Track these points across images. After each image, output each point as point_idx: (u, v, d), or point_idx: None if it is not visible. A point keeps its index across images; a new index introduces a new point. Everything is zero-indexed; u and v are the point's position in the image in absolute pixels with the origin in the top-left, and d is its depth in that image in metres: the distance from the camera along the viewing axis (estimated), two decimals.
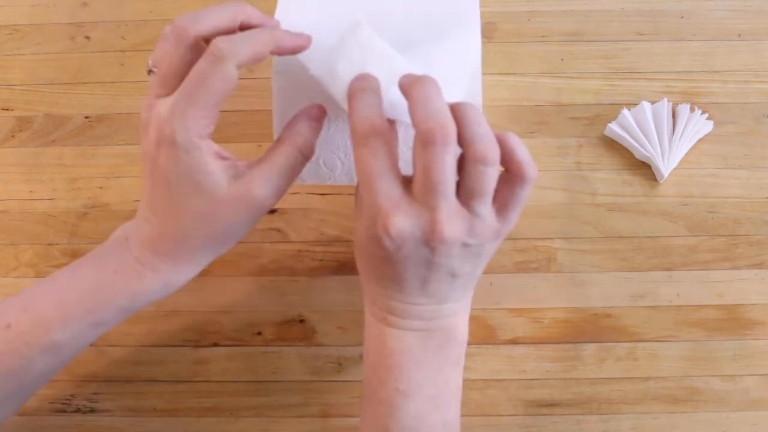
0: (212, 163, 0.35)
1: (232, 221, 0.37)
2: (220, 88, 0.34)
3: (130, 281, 0.38)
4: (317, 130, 0.38)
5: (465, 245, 0.35)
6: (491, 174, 0.33)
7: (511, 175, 0.35)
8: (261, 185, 0.36)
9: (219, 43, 0.33)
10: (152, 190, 0.37)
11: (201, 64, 0.34)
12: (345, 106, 0.36)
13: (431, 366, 0.38)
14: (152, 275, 0.38)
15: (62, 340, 0.38)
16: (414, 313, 0.37)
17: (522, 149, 0.34)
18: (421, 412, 0.37)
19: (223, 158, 0.36)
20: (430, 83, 0.34)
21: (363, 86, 0.35)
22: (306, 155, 0.38)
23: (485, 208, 0.34)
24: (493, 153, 0.33)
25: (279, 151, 0.37)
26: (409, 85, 0.34)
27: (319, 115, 0.38)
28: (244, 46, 0.34)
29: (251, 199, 0.36)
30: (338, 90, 0.37)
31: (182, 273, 0.38)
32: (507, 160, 0.34)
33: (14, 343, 0.37)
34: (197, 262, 0.39)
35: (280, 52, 0.36)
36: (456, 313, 0.38)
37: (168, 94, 0.35)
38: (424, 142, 0.32)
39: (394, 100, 0.36)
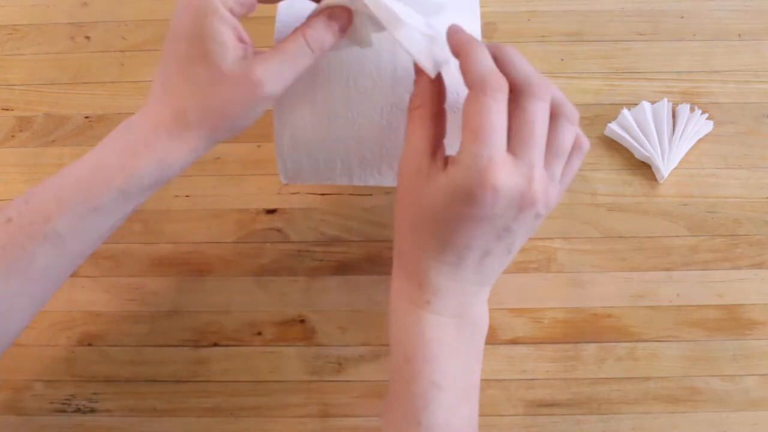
0: (227, 34, 0.35)
1: (228, 99, 0.36)
2: None
3: (124, 160, 0.37)
4: (333, 31, 0.37)
5: (537, 215, 0.35)
6: (573, 134, 0.35)
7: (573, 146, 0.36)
8: (263, 69, 0.36)
9: None
10: (164, 61, 0.37)
11: None
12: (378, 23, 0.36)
13: (464, 358, 0.38)
14: (147, 152, 0.37)
15: (62, 229, 0.37)
16: (458, 294, 0.37)
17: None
18: (452, 405, 0.37)
19: (241, 39, 0.36)
20: (515, 50, 0.36)
21: (471, 38, 0.35)
22: (314, 50, 0.37)
23: (560, 170, 0.36)
24: (577, 113, 0.35)
25: (288, 39, 0.37)
26: (495, 48, 0.35)
27: (341, 17, 0.37)
28: None
29: (250, 81, 0.36)
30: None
31: (176, 151, 0.37)
32: None
33: (15, 236, 0.36)
34: (191, 140, 0.37)
35: None
36: (485, 302, 0.39)
37: None
38: (528, 95, 0.33)
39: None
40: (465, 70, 0.35)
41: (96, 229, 0.38)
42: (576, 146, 0.37)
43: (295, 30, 0.37)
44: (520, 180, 0.34)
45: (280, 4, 0.41)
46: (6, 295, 0.37)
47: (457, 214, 0.34)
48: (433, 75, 0.36)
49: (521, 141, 0.34)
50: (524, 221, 0.35)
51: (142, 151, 0.37)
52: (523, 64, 0.35)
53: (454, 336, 0.37)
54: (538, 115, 0.34)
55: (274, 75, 0.36)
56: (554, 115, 0.35)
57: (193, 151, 0.38)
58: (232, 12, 0.35)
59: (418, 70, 0.37)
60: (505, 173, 0.33)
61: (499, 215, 0.34)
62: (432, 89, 0.37)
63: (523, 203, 0.34)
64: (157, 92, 0.37)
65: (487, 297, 0.39)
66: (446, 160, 0.35)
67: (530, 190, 0.34)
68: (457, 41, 0.36)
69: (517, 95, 0.34)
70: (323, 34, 0.37)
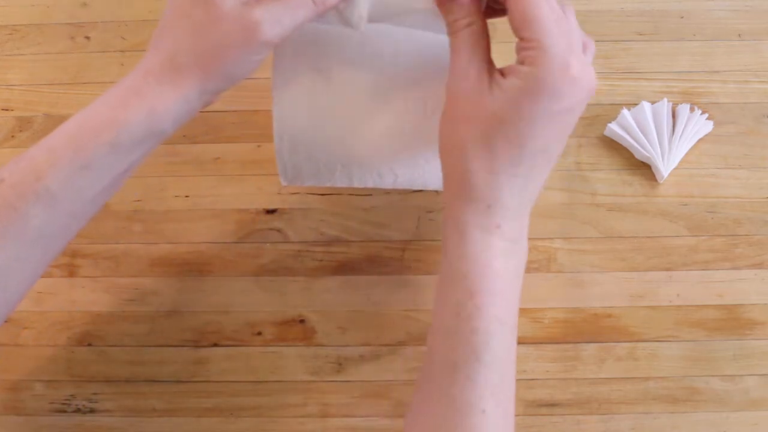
0: None
1: (225, 40, 0.35)
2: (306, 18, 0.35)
3: (114, 111, 0.36)
4: None
5: (587, 99, 0.36)
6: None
7: None
8: (262, 11, 0.35)
9: None
10: (164, 11, 0.36)
11: None
12: None
13: (518, 291, 0.38)
14: (136, 101, 0.36)
15: (54, 187, 0.35)
16: (522, 213, 0.37)
17: None
18: (508, 340, 0.37)
19: None
20: None
21: None
22: (316, 3, 0.36)
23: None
24: None
25: None
26: None
27: None
28: None
29: (249, 21, 0.35)
30: None
31: (166, 98, 0.36)
32: None
33: (7, 196, 0.35)
34: (182, 86, 0.36)
35: None
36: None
37: None
38: None
39: None
40: None
41: (89, 186, 0.37)
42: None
43: None
44: (585, 67, 0.34)
45: None
46: (1, 258, 0.36)
47: (536, 112, 0.34)
48: None
49: (569, 32, 0.34)
50: (582, 108, 0.36)
51: (131, 100, 0.36)
52: None
53: (515, 264, 0.37)
54: (566, 6, 0.35)
55: (274, 19, 0.35)
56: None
57: (185, 99, 0.36)
58: None
59: None
60: (578, 61, 0.34)
61: (575, 104, 0.35)
62: (477, 6, 0.36)
63: (592, 89, 0.35)
64: (153, 42, 0.37)
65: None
66: (502, 71, 0.35)
67: (590, 74, 0.34)
68: None
69: None
70: None
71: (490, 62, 0.36)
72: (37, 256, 0.37)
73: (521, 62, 0.34)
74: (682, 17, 0.53)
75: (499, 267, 0.36)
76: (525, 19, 0.34)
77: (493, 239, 0.36)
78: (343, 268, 0.51)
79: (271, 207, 0.51)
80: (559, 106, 0.34)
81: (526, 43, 0.34)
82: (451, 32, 0.37)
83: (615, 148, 0.52)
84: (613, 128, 0.51)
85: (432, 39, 0.40)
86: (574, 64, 0.33)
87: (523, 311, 0.50)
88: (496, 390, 0.36)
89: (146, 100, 0.36)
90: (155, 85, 0.36)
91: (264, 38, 0.35)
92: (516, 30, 0.34)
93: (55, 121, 0.53)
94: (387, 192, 0.51)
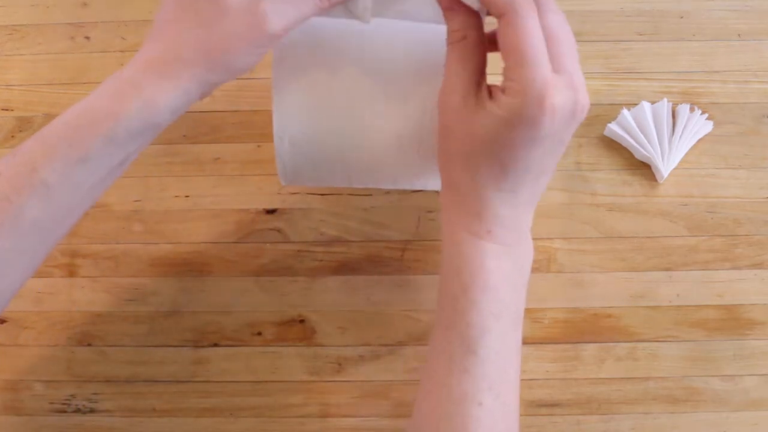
0: None
1: (231, 33, 0.35)
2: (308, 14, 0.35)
3: (111, 103, 0.35)
4: None
5: (580, 122, 0.36)
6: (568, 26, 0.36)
7: None
8: (269, 4, 0.35)
9: None
10: (163, 1, 0.36)
11: None
12: None
13: (516, 286, 0.38)
14: (133, 92, 0.35)
15: (50, 179, 0.35)
16: (516, 221, 0.37)
17: None
18: (506, 333, 0.37)
19: None
20: None
21: None
22: (322, 0, 0.36)
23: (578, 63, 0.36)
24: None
25: None
26: None
27: None
28: None
29: (256, 13, 0.35)
30: None
31: (165, 91, 0.35)
32: None
33: (2, 188, 0.35)
34: (183, 79, 0.36)
35: None
36: (530, 228, 0.39)
37: None
38: (545, 11, 0.34)
39: None
40: (489, 2, 0.35)
41: (84, 179, 0.36)
42: None
43: None
44: (570, 92, 0.34)
45: None
46: None
47: (516, 140, 0.34)
48: (476, 6, 0.36)
49: (558, 54, 0.34)
50: (572, 130, 0.36)
51: (128, 92, 0.35)
52: None
53: (510, 264, 0.38)
54: (561, 26, 0.35)
55: (280, 12, 0.35)
56: (555, 22, 0.36)
57: (185, 92, 0.36)
58: None
59: (453, 5, 0.37)
60: (558, 91, 0.33)
61: (557, 130, 0.34)
62: (474, 20, 0.36)
63: (576, 112, 0.34)
64: (152, 34, 0.36)
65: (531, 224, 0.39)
66: (490, 89, 0.35)
67: (580, 97, 0.34)
68: None
69: (545, 12, 0.35)
70: None
71: (480, 78, 0.36)
72: (33, 247, 0.37)
73: (503, 90, 0.34)
74: (682, 17, 0.53)
75: (491, 265, 0.37)
76: (509, 47, 0.34)
77: (483, 243, 0.37)
78: (343, 268, 0.51)
79: (271, 207, 0.51)
80: (538, 134, 0.34)
81: (509, 71, 0.34)
82: (448, 42, 0.37)
83: (615, 148, 0.52)
84: (613, 128, 0.51)
85: (432, 38, 0.40)
86: (552, 95, 0.33)
87: None
88: (494, 384, 0.36)
89: (144, 92, 0.35)
90: (155, 78, 0.35)
91: (270, 31, 0.35)
92: (502, 55, 0.35)
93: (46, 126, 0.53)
94: (387, 192, 0.51)
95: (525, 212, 0.38)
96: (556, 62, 0.34)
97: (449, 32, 0.37)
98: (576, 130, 0.36)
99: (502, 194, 0.36)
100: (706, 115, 0.51)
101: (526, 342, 0.49)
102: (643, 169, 0.51)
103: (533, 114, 0.33)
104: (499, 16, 0.34)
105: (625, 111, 0.51)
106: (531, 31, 0.33)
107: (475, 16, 0.36)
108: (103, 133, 0.35)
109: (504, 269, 0.37)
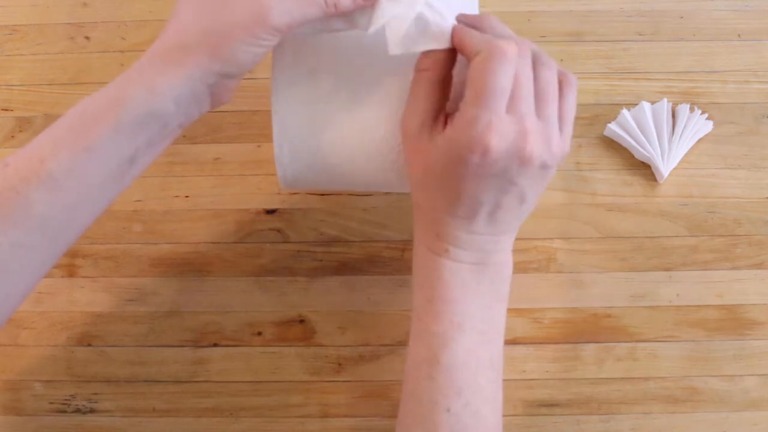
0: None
1: (234, 21, 0.35)
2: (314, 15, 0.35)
3: (117, 90, 0.36)
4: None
5: (542, 166, 0.36)
6: (555, 74, 0.36)
7: (559, 85, 0.37)
8: (279, 8, 0.35)
9: None
10: None
11: None
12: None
13: (483, 301, 0.39)
14: (137, 77, 0.36)
15: (56, 171, 0.35)
16: (476, 244, 0.38)
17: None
18: (472, 345, 0.38)
19: None
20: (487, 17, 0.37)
21: (459, 25, 0.37)
22: (327, 4, 0.36)
23: (555, 113, 0.36)
24: (553, 60, 0.37)
25: None
26: (472, 19, 0.37)
27: None
28: None
29: (261, 6, 0.35)
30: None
31: (168, 76, 0.35)
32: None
33: (11, 180, 0.35)
34: (186, 65, 0.35)
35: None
36: (507, 249, 0.40)
37: None
38: (509, 57, 0.34)
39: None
40: (469, 40, 0.36)
41: (92, 171, 0.36)
42: (564, 83, 0.37)
43: None
44: (514, 137, 0.34)
45: None
46: (4, 245, 0.35)
47: (459, 173, 0.35)
48: (444, 46, 0.37)
49: (511, 99, 0.35)
50: (529, 174, 0.36)
51: (133, 78, 0.36)
52: (502, 27, 0.36)
53: (475, 280, 0.38)
54: (523, 72, 0.35)
55: (285, 8, 0.35)
56: (535, 65, 0.36)
57: (188, 78, 0.36)
58: None
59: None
60: (499, 134, 0.34)
61: (499, 172, 0.35)
62: (442, 55, 0.37)
63: (522, 158, 0.35)
64: (166, 24, 0.37)
65: (511, 245, 0.40)
66: (446, 121, 0.36)
67: (527, 144, 0.35)
68: (455, 35, 0.37)
69: (502, 59, 0.35)
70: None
71: (437, 111, 0.37)
72: (42, 245, 0.37)
73: (452, 122, 0.35)
74: (682, 17, 0.53)
75: (451, 280, 0.38)
76: (471, 82, 0.35)
77: (442, 259, 0.38)
78: (343, 268, 0.51)
79: (271, 207, 0.51)
80: (475, 171, 0.35)
81: (463, 104, 0.35)
82: (414, 69, 0.38)
83: (615, 148, 0.52)
84: (613, 128, 0.51)
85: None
86: (489, 138, 0.34)
87: (523, 311, 0.50)
88: (462, 391, 0.37)
89: (147, 78, 0.35)
90: (159, 65, 0.36)
91: (273, 23, 0.35)
92: (465, 86, 0.35)
93: (54, 121, 0.53)
94: (387, 192, 0.51)
95: (490, 238, 0.38)
96: (510, 107, 0.35)
97: (418, 60, 0.38)
98: (544, 173, 0.36)
99: (457, 220, 0.37)
100: (706, 115, 0.51)
101: (526, 342, 0.50)
102: (643, 169, 0.51)
103: (469, 152, 0.34)
104: (475, 55, 0.35)
105: (625, 111, 0.51)
106: (497, 75, 0.34)
107: (447, 53, 0.37)
108: (108, 122, 0.35)
109: (466, 283, 0.38)
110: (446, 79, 0.37)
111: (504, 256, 0.40)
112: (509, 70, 0.34)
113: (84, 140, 0.35)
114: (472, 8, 0.41)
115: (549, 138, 0.36)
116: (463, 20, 0.37)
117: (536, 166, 0.35)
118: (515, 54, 0.35)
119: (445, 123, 0.36)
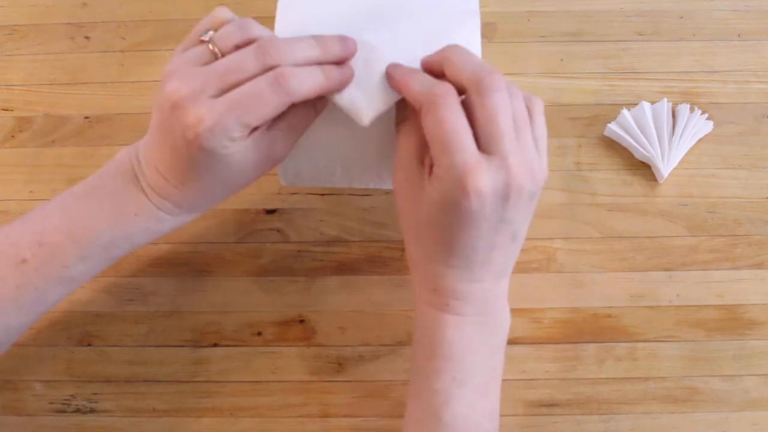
0: (236, 148, 0.36)
1: (249, 177, 0.39)
2: (270, 114, 0.35)
3: (150, 224, 0.39)
4: (343, 77, 0.37)
5: (531, 196, 0.35)
6: (522, 101, 0.36)
7: (528, 111, 0.37)
8: (279, 146, 0.38)
9: (288, 76, 0.34)
10: (170, 154, 0.37)
11: (262, 85, 0.34)
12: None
13: (484, 354, 0.39)
14: (171, 219, 0.40)
15: (78, 274, 0.40)
16: (477, 293, 0.38)
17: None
18: (473, 400, 0.38)
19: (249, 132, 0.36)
20: (460, 48, 0.37)
21: (405, 70, 0.37)
22: (319, 110, 0.39)
23: (530, 139, 0.36)
24: (517, 88, 0.37)
25: (294, 111, 0.37)
26: (440, 53, 0.37)
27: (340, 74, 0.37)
28: (305, 85, 0.35)
29: (269, 159, 0.38)
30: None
31: (195, 214, 0.41)
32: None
33: (31, 277, 0.38)
34: (210, 206, 0.41)
35: (330, 90, 0.37)
36: (504, 295, 0.40)
37: (215, 96, 0.35)
38: (482, 90, 0.34)
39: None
40: (409, 96, 0.36)
41: (105, 267, 0.41)
42: (531, 107, 0.37)
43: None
44: (499, 173, 0.34)
45: (280, 2, 0.41)
46: (13, 325, 0.40)
47: (451, 222, 0.35)
48: (394, 99, 0.37)
49: (489, 136, 0.34)
50: (518, 207, 0.35)
51: (168, 219, 0.40)
52: (471, 61, 0.35)
53: (477, 333, 0.38)
54: (498, 106, 0.34)
55: (290, 144, 0.38)
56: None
57: (181, 224, 0.41)
58: (233, 141, 0.35)
59: (401, 90, 0.38)
60: (483, 173, 0.34)
61: (490, 212, 0.35)
62: (410, 104, 0.37)
63: (509, 192, 0.34)
64: (164, 172, 0.38)
65: (506, 289, 0.40)
66: (432, 170, 0.36)
67: (512, 178, 0.34)
68: (394, 81, 0.37)
69: (472, 93, 0.34)
70: (332, 86, 0.37)
71: (422, 156, 0.37)
72: (37, 315, 0.42)
73: (431, 175, 0.35)
74: (682, 17, 0.53)
75: (452, 336, 0.38)
76: (430, 135, 0.35)
77: (442, 315, 0.38)
78: (343, 268, 0.51)
79: (271, 207, 0.51)
80: (469, 217, 0.35)
81: (434, 158, 0.35)
82: (395, 124, 0.39)
83: (615, 148, 0.52)
84: (613, 128, 0.51)
85: (432, 43, 0.40)
86: (474, 179, 0.33)
87: (523, 311, 0.50)
88: None
89: (179, 218, 0.41)
90: (190, 211, 0.41)
91: (280, 159, 0.39)
92: (428, 142, 0.35)
93: (54, 121, 0.53)
94: (387, 192, 0.51)
95: (488, 282, 0.38)
96: (489, 145, 0.34)
97: (396, 112, 0.39)
98: (530, 203, 0.36)
99: (454, 270, 0.37)
100: (706, 115, 0.51)
101: (526, 342, 0.50)
102: (643, 169, 0.51)
103: (457, 198, 0.34)
104: (419, 108, 0.35)
105: (625, 111, 0.51)
106: (447, 118, 0.34)
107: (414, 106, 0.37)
108: (137, 243, 0.40)
109: (467, 338, 0.38)
110: (420, 126, 0.37)
111: (502, 304, 0.40)
112: (454, 111, 0.34)
113: (109, 255, 0.40)
114: (473, 14, 0.41)
115: (531, 166, 0.35)
116: (425, 63, 0.37)
117: (525, 198, 0.35)
118: (448, 92, 0.34)
119: (431, 169, 0.36)
